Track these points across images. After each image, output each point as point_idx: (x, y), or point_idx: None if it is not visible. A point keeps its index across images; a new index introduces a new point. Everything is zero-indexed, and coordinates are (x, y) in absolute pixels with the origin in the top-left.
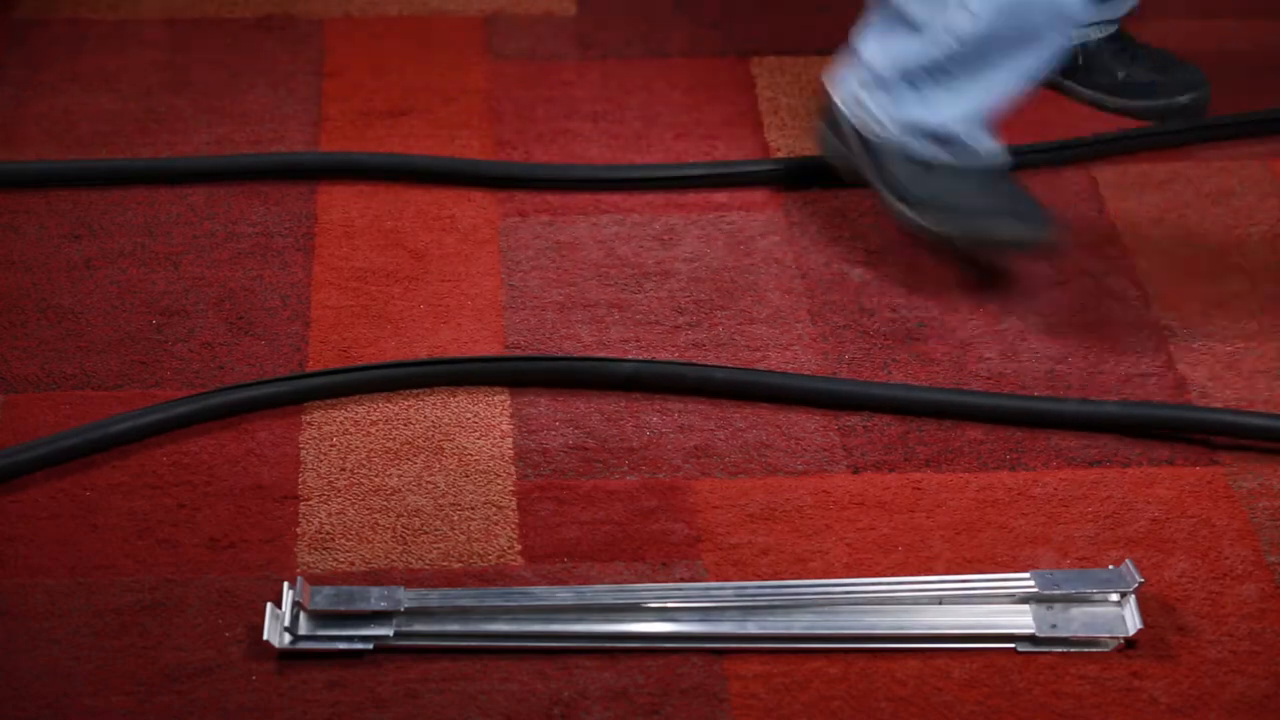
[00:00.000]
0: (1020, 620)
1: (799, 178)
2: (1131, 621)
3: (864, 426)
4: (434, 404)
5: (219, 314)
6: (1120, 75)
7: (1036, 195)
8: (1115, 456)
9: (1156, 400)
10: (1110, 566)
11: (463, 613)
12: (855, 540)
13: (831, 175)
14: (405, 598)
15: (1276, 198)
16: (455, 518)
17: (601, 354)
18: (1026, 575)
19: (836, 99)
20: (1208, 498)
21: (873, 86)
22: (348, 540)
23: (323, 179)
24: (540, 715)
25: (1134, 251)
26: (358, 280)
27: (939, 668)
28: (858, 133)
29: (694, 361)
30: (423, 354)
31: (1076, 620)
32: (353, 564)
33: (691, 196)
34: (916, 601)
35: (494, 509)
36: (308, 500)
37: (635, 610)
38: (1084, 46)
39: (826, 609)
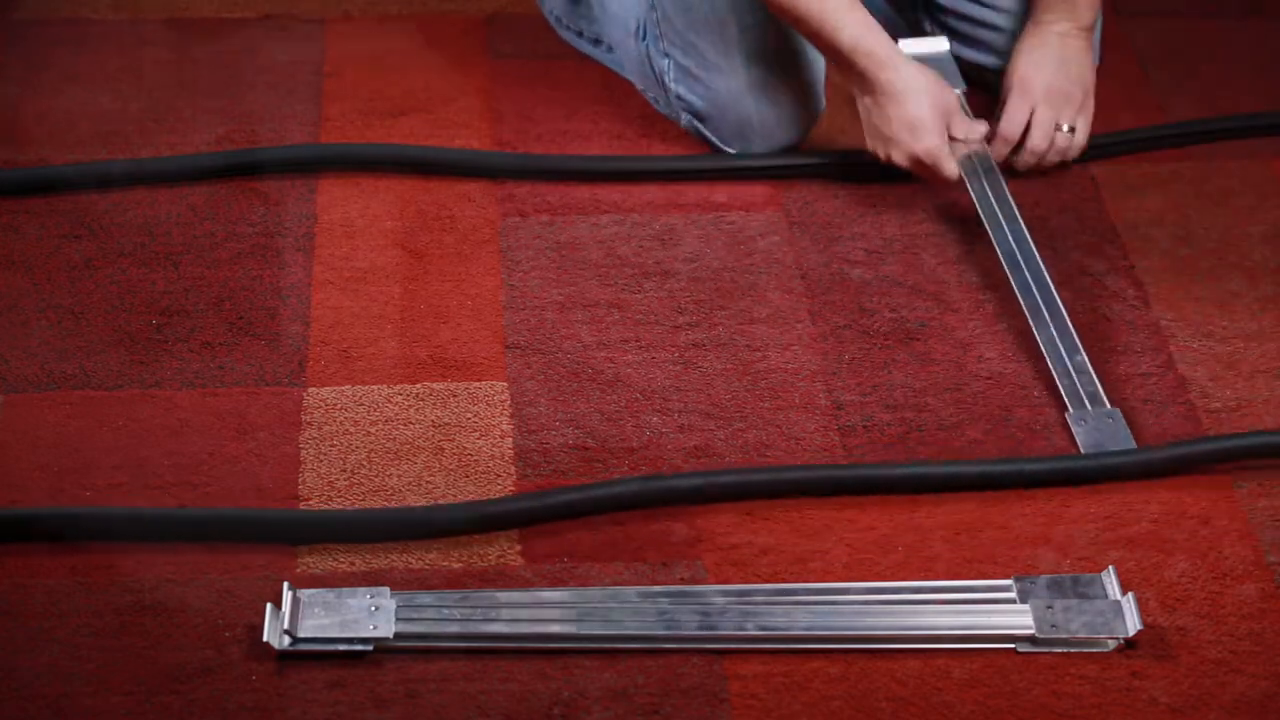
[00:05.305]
0: (1020, 620)
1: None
2: (1131, 621)
3: (864, 426)
4: (434, 404)
5: (219, 314)
6: None
7: (1037, 196)
8: None
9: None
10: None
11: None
12: (855, 540)
13: (830, 171)
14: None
15: (1276, 198)
16: None
17: (602, 354)
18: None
19: None
20: (1207, 498)
21: None
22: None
23: (321, 172)
24: (540, 715)
25: (1134, 251)
26: (358, 280)
27: (939, 668)
28: None
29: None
30: (423, 355)
31: (1076, 620)
32: (352, 564)
33: (691, 196)
34: (916, 602)
35: None
36: (308, 500)
37: (635, 610)
38: None
39: (826, 609)
